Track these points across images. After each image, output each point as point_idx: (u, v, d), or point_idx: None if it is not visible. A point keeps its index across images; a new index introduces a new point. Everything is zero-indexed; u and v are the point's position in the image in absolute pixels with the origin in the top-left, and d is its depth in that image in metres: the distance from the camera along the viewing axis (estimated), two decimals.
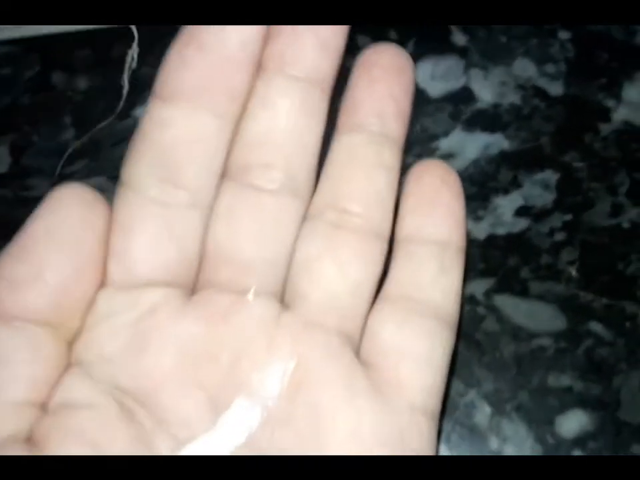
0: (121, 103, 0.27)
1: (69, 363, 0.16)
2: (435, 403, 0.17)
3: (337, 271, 0.17)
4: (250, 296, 0.16)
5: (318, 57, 0.17)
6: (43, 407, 0.15)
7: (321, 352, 0.16)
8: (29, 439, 0.14)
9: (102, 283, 0.16)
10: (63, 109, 0.27)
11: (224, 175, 0.17)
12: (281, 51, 0.17)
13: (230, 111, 0.17)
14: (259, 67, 0.17)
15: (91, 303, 0.16)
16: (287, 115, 0.17)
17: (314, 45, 0.17)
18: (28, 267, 0.15)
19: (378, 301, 0.17)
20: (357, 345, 0.17)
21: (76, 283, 0.16)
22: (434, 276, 0.17)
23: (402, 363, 0.16)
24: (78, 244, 0.16)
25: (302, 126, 0.17)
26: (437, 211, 0.18)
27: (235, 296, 0.16)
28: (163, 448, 0.15)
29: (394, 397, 0.16)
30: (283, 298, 0.17)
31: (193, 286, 0.17)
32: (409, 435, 0.16)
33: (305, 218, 0.18)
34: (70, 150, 0.27)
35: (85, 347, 0.16)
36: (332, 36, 0.17)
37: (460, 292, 0.18)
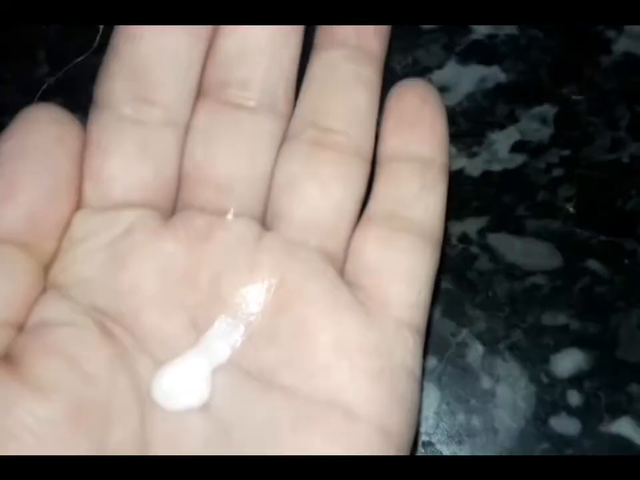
0: (98, 37, 0.26)
1: (45, 286, 0.15)
2: (420, 317, 0.16)
3: (318, 190, 0.16)
4: (229, 216, 0.16)
5: None
6: (19, 328, 0.15)
7: (304, 270, 0.16)
8: (6, 357, 0.14)
9: (78, 205, 0.16)
10: (36, 44, 0.26)
11: (200, 92, 0.17)
12: None
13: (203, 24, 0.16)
14: None
15: (66, 225, 0.16)
16: (262, 28, 0.17)
17: None
18: (0, 185, 0.15)
19: (361, 220, 0.17)
20: (340, 265, 0.17)
21: (51, 203, 0.15)
22: (417, 193, 0.17)
23: (386, 280, 0.16)
24: (52, 163, 0.15)
25: (278, 40, 0.17)
26: (419, 129, 0.17)
27: (214, 217, 0.16)
28: (143, 367, 0.15)
29: (379, 312, 0.16)
30: (265, 221, 0.17)
31: (171, 208, 0.17)
32: (394, 347, 0.16)
33: (284, 137, 0.17)
34: (44, 87, 0.25)
35: (61, 270, 0.15)
36: None
37: (444, 209, 0.17)
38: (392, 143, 0.17)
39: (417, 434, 0.17)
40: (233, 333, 0.15)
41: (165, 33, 0.16)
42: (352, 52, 0.17)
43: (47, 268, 0.16)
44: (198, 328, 0.15)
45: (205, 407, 0.15)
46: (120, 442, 0.14)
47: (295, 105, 0.17)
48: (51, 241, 0.15)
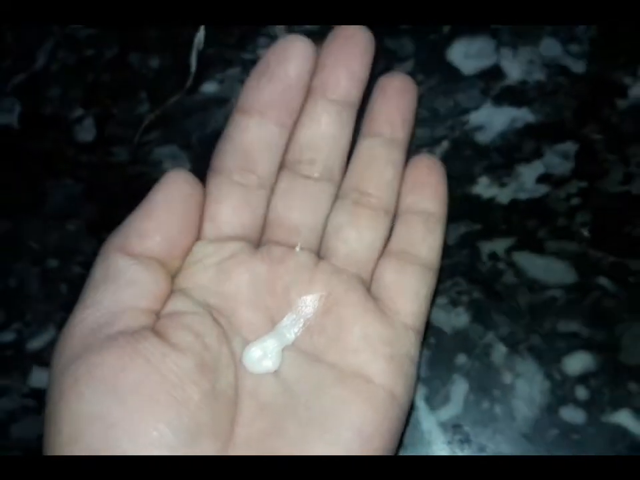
0: (190, 80, 0.31)
1: (171, 291, 0.22)
2: (421, 323, 0.24)
3: (356, 234, 0.24)
4: (297, 249, 0.24)
5: (349, 85, 0.24)
6: (158, 315, 0.22)
7: (345, 287, 0.23)
8: (153, 331, 0.21)
9: (197, 238, 0.23)
10: (138, 86, 0.31)
11: (282, 166, 0.24)
12: (323, 81, 0.24)
13: (288, 123, 0.24)
14: (308, 92, 0.24)
15: (189, 250, 0.23)
16: (326, 126, 0.24)
17: (346, 76, 0.24)
18: (151, 223, 0.22)
19: (384, 254, 0.24)
20: (368, 285, 0.24)
21: (181, 236, 0.23)
22: (422, 237, 0.24)
23: (398, 296, 0.23)
24: (184, 210, 0.23)
25: (336, 133, 0.24)
26: (426, 191, 0.25)
27: (286, 249, 0.23)
28: (237, 344, 0.22)
29: (392, 317, 0.23)
30: (320, 253, 0.24)
31: (258, 242, 0.24)
32: (402, 341, 0.23)
33: (336, 197, 0.25)
34: (146, 122, 0.30)
35: (184, 279, 0.23)
36: (360, 69, 0.24)
37: (442, 247, 0.24)
38: (407, 200, 0.25)
39: (412, 401, 0.23)
40: (296, 325, 0.23)
41: (263, 127, 0.24)
42: (385, 141, 0.25)
43: (173, 278, 0.23)
44: (273, 321, 0.23)
45: (276, 372, 0.22)
46: (224, 387, 0.21)
47: (345, 174, 0.25)
48: (179, 260, 0.23)
